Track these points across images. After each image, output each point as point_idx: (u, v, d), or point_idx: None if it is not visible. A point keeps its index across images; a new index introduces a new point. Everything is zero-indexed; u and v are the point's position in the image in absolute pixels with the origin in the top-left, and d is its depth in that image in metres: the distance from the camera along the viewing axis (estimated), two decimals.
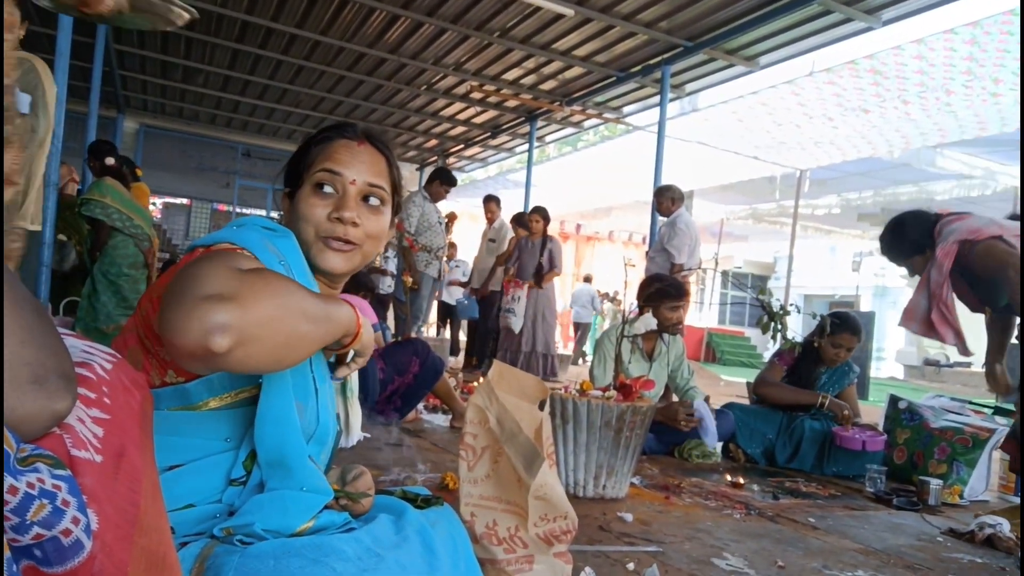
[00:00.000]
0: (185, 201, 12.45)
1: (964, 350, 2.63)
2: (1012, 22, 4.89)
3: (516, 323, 6.18)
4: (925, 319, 2.64)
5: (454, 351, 8.13)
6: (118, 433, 0.59)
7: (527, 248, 6.34)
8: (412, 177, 12.59)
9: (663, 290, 3.50)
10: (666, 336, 3.61)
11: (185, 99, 9.53)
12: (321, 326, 0.81)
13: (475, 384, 4.08)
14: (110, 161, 4.46)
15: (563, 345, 13.73)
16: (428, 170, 12.13)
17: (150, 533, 0.57)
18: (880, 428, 3.43)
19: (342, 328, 0.86)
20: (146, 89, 9.26)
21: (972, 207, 12.69)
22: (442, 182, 5.89)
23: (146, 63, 8.22)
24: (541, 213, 6.43)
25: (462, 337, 8.60)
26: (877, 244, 2.97)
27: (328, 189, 1.00)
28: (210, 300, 0.70)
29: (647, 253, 5.92)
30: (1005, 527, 2.36)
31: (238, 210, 12.00)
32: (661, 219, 5.69)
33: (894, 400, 3.59)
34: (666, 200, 5.52)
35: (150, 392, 0.77)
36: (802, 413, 3.53)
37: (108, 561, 0.52)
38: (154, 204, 12.08)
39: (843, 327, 3.48)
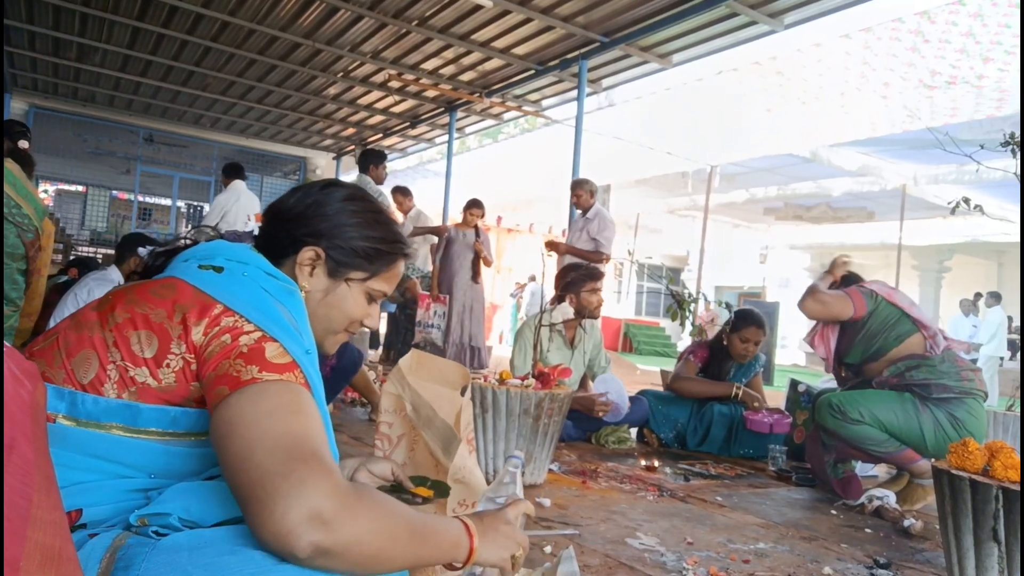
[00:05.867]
0: (80, 188, 11.66)
1: (828, 368, 3.00)
2: (900, 28, 5.25)
3: (439, 337, 6.13)
4: (814, 332, 3.02)
5: (374, 343, 8.02)
6: (7, 425, 0.56)
7: (458, 238, 6.28)
8: (329, 165, 12.27)
9: (582, 276, 3.57)
10: (585, 323, 3.68)
11: (80, 79, 8.91)
12: (417, 553, 0.81)
13: None
14: (24, 145, 4.12)
15: (493, 339, 14.00)
16: (345, 159, 11.85)
17: (44, 527, 0.54)
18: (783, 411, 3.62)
19: (445, 556, 0.86)
20: (36, 67, 8.60)
21: (865, 203, 13.61)
22: (379, 163, 5.80)
23: (36, 39, 7.63)
24: (479, 206, 6.33)
25: (382, 329, 8.49)
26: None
27: (375, 301, 1.10)
28: (310, 517, 0.70)
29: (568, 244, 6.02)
30: (891, 499, 2.56)
31: (140, 198, 11.35)
32: (578, 211, 5.79)
33: (794, 384, 3.80)
34: (585, 193, 5.62)
35: (43, 383, 0.73)
36: (715, 401, 3.69)
37: None
38: (46, 192, 11.26)
39: (747, 321, 3.63)
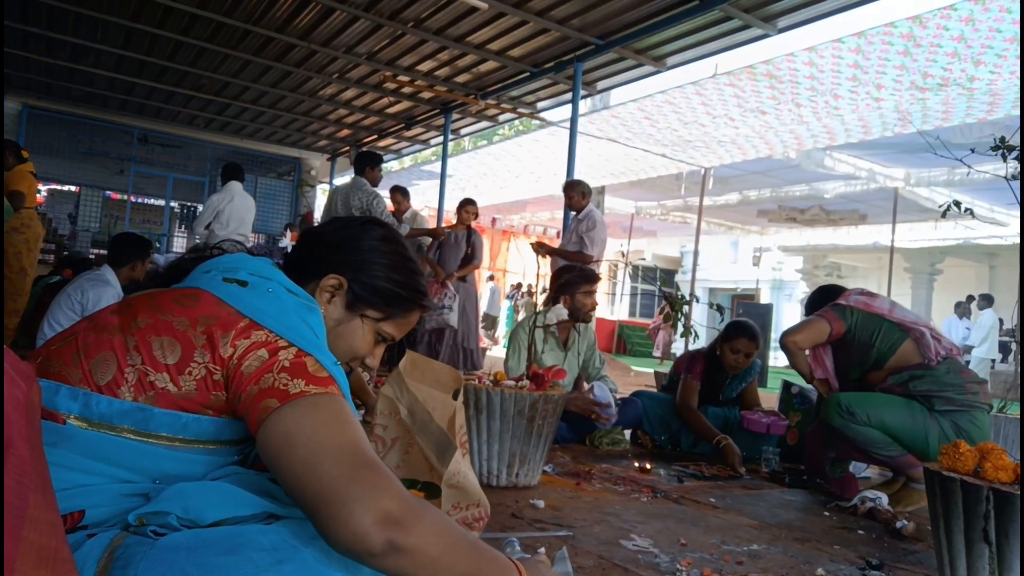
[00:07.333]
0: (74, 188, 11.60)
1: (834, 385, 2.97)
2: (892, 33, 5.28)
3: (454, 317, 6.12)
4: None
5: None
6: (4, 425, 0.56)
7: (449, 241, 6.31)
8: (324, 167, 12.25)
9: (577, 278, 3.58)
10: (579, 325, 3.68)
11: (74, 79, 8.87)
12: (476, 566, 0.84)
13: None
14: None
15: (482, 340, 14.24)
16: (340, 160, 11.83)
17: (40, 527, 0.54)
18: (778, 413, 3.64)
19: None
20: (29, 67, 8.57)
21: (857, 205, 13.66)
22: (376, 165, 5.82)
23: (29, 39, 7.60)
24: (474, 204, 6.40)
25: None
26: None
27: (382, 343, 1.13)
28: (384, 517, 0.75)
29: (561, 246, 6.03)
30: (884, 500, 2.57)
31: (133, 199, 11.31)
32: (572, 212, 5.81)
33: (787, 386, 3.81)
34: (577, 194, 5.64)
35: (38, 384, 0.73)
36: (709, 403, 3.69)
37: None
38: (38, 191, 11.17)
39: (738, 332, 3.59)
